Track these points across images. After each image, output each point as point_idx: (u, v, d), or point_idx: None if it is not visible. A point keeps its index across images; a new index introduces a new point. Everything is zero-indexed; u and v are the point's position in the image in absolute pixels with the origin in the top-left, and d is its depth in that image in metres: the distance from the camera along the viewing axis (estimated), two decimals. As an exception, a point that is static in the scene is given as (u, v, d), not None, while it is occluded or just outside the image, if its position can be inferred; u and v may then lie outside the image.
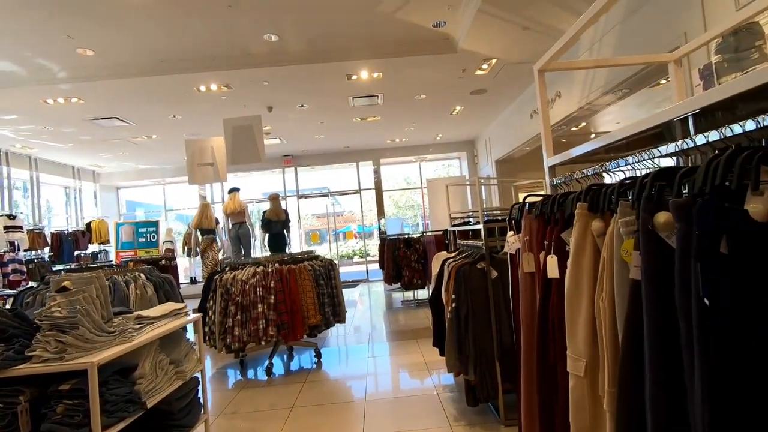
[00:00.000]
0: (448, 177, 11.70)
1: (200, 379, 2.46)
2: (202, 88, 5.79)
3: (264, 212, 6.33)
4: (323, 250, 15.12)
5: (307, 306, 3.68)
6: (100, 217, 10.13)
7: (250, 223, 6.36)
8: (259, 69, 5.36)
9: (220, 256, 6.41)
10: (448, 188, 5.22)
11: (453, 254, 3.16)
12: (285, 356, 4.43)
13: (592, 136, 10.50)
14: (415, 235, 6.87)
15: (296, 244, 11.74)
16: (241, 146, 5.69)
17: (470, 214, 6.53)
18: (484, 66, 5.89)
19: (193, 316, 2.49)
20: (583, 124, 9.14)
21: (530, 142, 7.58)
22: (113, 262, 9.65)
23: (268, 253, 6.22)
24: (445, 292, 2.67)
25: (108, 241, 10.11)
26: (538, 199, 1.42)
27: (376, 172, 11.25)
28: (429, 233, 6.85)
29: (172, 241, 10.35)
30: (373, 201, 11.38)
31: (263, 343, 3.53)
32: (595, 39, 4.92)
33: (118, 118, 6.68)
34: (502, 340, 2.40)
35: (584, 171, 1.43)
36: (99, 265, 7.15)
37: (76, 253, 9.10)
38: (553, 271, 1.14)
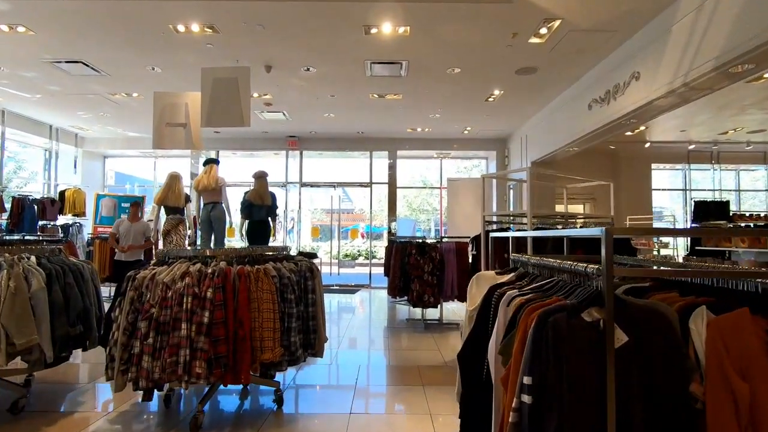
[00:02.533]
0: (472, 179, 10.33)
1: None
2: (181, 28, 4.55)
3: (245, 193, 5.07)
4: (325, 248, 13.86)
5: (261, 331, 2.37)
6: (77, 185, 8.99)
7: (227, 204, 5.08)
8: (250, 2, 4.09)
9: (188, 243, 5.17)
10: (484, 180, 3.89)
11: (507, 277, 1.82)
12: (234, 395, 3.13)
13: (647, 145, 9.03)
14: (430, 241, 5.53)
15: (294, 239, 10.49)
16: (221, 104, 4.43)
17: (495, 219, 5.17)
18: (542, 30, 4.54)
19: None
20: (643, 128, 7.73)
21: (582, 140, 6.18)
22: (89, 236, 8.49)
23: (245, 244, 4.95)
24: (502, 356, 1.33)
25: (83, 214, 8.98)
26: None
27: (392, 167, 9.92)
28: (449, 239, 5.51)
29: (156, 221, 9.17)
30: (385, 198, 10.04)
31: (184, 385, 2.23)
32: (711, -8, 3.53)
33: (84, 63, 5.48)
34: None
35: None
36: (35, 239, 5.96)
37: (41, 223, 7.97)
38: None
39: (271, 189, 5.33)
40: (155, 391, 2.49)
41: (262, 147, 9.77)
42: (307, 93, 6.61)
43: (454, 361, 4.09)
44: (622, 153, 9.30)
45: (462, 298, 5.32)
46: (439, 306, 5.49)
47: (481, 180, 9.54)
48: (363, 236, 15.67)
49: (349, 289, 9.13)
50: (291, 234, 13.20)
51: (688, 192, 10.36)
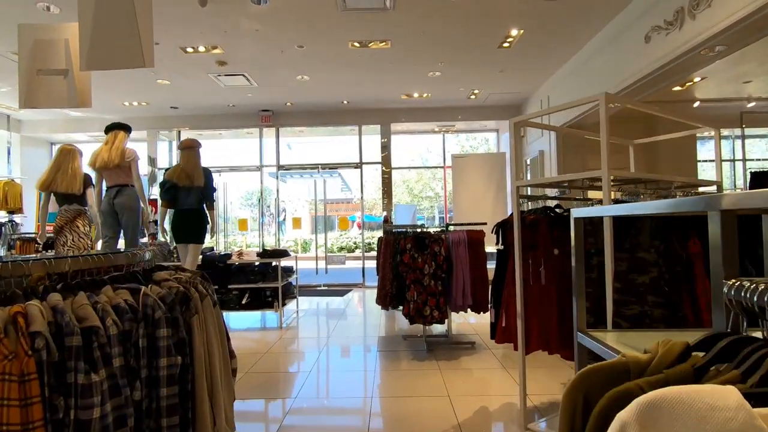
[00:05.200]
0: (481, 154, 8.78)
1: None
2: None
3: (165, 171, 3.57)
4: (318, 242, 12.43)
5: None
6: (9, 177, 7.54)
7: (140, 187, 3.55)
8: None
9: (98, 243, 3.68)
10: (514, 128, 2.37)
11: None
12: None
13: (696, 104, 7.42)
14: (433, 230, 4.04)
15: (281, 232, 9.04)
16: (108, 36, 2.92)
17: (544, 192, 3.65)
18: None
19: None
20: (698, 79, 6.14)
21: (633, 89, 4.63)
22: (10, 236, 7.08)
23: (170, 242, 3.47)
24: None
25: (20, 210, 7.54)
26: None
27: (385, 147, 8.36)
28: (458, 227, 4.01)
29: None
30: (380, 181, 8.51)
31: None
32: None
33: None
34: None
35: None
36: None
37: (-41, 223, 6.56)
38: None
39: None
40: None
41: (231, 125, 8.25)
42: (266, 42, 5.07)
43: (469, 422, 2.59)
44: (661, 117, 7.68)
45: (478, 308, 3.82)
46: (446, 322, 4.01)
47: (491, 157, 7.80)
48: (360, 226, 14.22)
49: (338, 291, 7.67)
50: (283, 227, 12.08)
51: (738, 162, 8.73)
